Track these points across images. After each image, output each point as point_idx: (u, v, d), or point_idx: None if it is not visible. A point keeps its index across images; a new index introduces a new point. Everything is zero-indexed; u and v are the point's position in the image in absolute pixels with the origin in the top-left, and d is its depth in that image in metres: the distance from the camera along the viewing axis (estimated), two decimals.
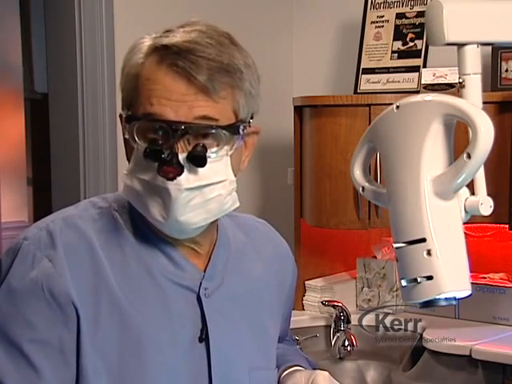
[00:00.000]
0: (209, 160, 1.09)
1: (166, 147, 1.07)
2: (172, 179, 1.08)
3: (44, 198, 3.23)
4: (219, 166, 1.12)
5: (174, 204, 1.09)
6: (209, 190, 1.11)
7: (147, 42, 1.13)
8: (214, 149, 1.11)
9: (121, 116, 1.16)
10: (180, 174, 1.08)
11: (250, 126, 1.17)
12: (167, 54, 1.09)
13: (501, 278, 2.62)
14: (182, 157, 1.08)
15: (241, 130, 1.13)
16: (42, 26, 3.15)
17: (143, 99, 1.10)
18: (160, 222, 1.12)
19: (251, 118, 1.16)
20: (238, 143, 1.14)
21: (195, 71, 1.08)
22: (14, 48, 3.57)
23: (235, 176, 1.15)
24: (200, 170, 1.09)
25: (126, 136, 1.13)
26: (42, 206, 3.62)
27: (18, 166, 3.73)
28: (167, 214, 1.10)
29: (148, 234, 1.18)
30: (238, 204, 1.17)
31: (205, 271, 1.21)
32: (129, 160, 1.15)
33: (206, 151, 1.09)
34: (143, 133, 1.11)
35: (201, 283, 1.20)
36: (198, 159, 1.08)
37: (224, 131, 1.10)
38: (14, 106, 3.69)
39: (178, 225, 1.12)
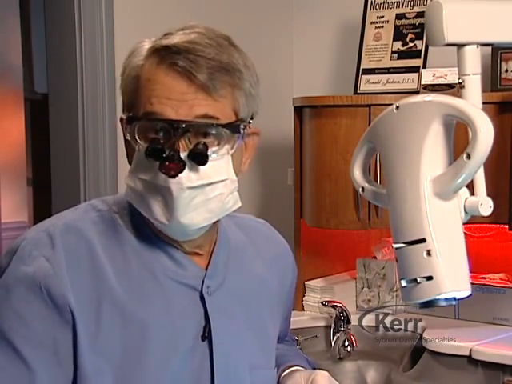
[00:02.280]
0: (210, 158, 1.09)
1: (167, 146, 1.07)
2: (174, 176, 1.08)
3: (44, 197, 3.23)
4: (220, 164, 1.12)
5: (176, 204, 1.09)
6: (210, 189, 1.11)
7: (147, 45, 1.14)
8: (215, 147, 1.11)
9: (121, 119, 1.17)
10: (182, 171, 1.07)
11: (249, 127, 1.17)
12: (167, 54, 1.10)
13: (501, 279, 2.62)
14: (183, 155, 1.08)
15: (241, 129, 1.14)
16: (42, 26, 3.15)
17: (144, 100, 1.11)
18: (163, 224, 1.12)
19: (251, 118, 1.17)
20: (238, 142, 1.14)
21: (195, 70, 1.08)
22: (14, 48, 3.57)
23: (236, 176, 1.16)
24: (201, 168, 1.09)
25: (128, 137, 1.13)
26: (42, 206, 3.62)
27: (18, 165, 3.73)
28: (170, 214, 1.10)
29: (149, 234, 1.18)
30: (239, 204, 1.18)
31: (206, 270, 1.21)
32: (130, 162, 1.16)
33: (207, 149, 1.09)
34: (144, 133, 1.11)
35: (203, 281, 1.20)
36: (199, 157, 1.09)
37: (225, 129, 1.11)
38: (13, 107, 3.69)
39: (180, 226, 1.12)
